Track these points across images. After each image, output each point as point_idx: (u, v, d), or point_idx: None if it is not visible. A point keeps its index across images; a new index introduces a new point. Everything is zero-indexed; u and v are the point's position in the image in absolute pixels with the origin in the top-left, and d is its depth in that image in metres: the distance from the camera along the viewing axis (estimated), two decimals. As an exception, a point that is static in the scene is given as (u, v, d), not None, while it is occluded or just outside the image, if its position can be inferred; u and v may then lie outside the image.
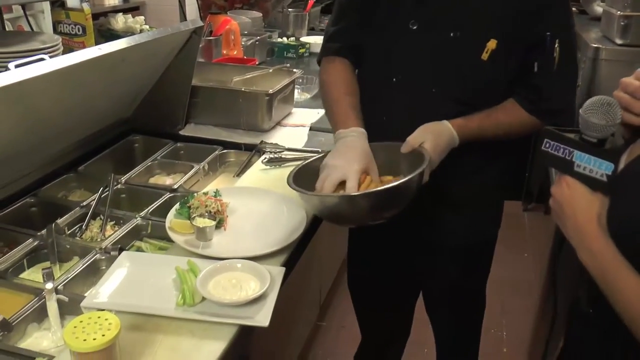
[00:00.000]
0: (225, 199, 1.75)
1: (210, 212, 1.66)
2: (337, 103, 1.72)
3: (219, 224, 1.67)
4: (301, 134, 2.47)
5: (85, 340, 1.10)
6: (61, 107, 1.84)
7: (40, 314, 1.46)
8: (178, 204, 1.73)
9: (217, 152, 2.32)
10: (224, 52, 3.28)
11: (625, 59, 3.09)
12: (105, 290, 1.40)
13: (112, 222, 1.88)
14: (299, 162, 1.73)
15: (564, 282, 1.38)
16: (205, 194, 1.76)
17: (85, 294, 1.45)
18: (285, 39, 3.90)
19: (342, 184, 1.50)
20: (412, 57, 1.64)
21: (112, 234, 1.77)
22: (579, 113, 1.14)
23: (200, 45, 2.59)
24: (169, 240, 1.66)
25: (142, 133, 2.47)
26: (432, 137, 1.56)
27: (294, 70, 2.75)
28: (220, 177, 2.29)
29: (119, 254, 1.57)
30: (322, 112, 2.64)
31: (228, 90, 2.54)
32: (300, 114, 2.70)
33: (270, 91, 2.43)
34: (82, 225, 1.86)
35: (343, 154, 1.56)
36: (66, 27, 2.73)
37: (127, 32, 3.12)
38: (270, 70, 2.75)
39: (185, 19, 3.34)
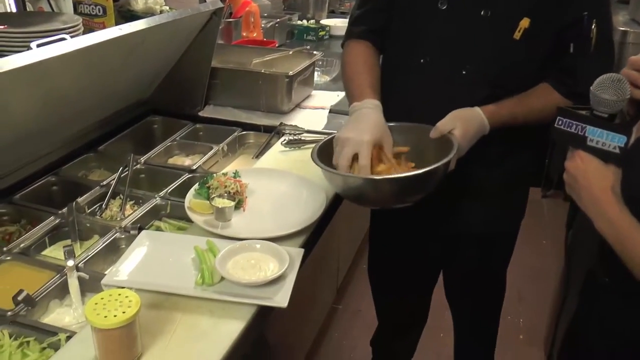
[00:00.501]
0: (245, 180, 1.76)
1: (229, 192, 1.67)
2: (354, 79, 1.70)
3: (238, 205, 1.68)
4: (321, 116, 2.47)
5: (106, 317, 1.11)
6: (81, 87, 1.86)
7: (62, 291, 1.48)
8: (197, 184, 1.74)
9: (236, 133, 2.33)
10: (244, 34, 3.27)
11: (652, 42, 3.05)
12: (125, 268, 1.41)
13: (131, 202, 1.90)
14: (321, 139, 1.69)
15: (577, 255, 1.39)
16: (225, 174, 1.77)
17: (105, 272, 1.47)
18: (305, 21, 3.88)
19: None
20: (441, 38, 1.60)
21: (132, 213, 1.79)
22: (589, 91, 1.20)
23: (220, 27, 2.58)
24: (188, 220, 1.68)
25: (162, 114, 2.48)
26: (462, 124, 1.52)
27: (314, 52, 2.74)
28: (239, 158, 2.30)
29: (139, 233, 1.58)
30: (342, 94, 2.64)
31: (248, 72, 2.54)
32: (320, 96, 2.70)
33: (291, 73, 2.42)
34: (102, 204, 1.88)
35: (355, 126, 1.53)
36: (86, 7, 2.72)
37: (147, 13, 3.11)
38: (290, 53, 2.75)
39: (205, 1, 3.33)
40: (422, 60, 1.64)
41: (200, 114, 2.49)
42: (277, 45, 3.30)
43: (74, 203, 1.78)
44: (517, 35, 1.52)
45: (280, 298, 1.33)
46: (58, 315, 1.45)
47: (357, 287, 3.17)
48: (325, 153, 1.56)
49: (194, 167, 2.04)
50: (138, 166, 2.06)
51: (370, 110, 1.57)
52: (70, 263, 1.49)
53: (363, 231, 2.11)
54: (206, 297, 1.33)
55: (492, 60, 1.57)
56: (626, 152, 1.14)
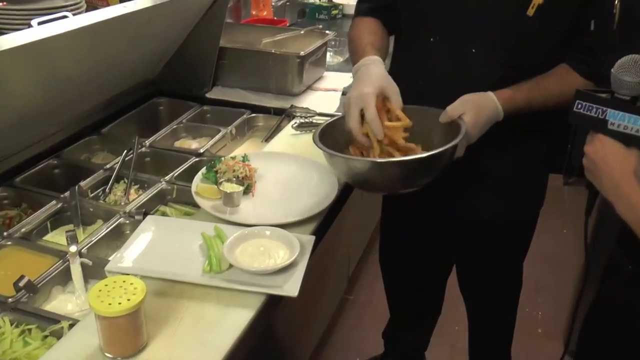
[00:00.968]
0: (254, 164, 1.75)
1: (238, 177, 1.67)
2: (356, 45, 1.69)
3: (247, 190, 1.67)
4: (333, 98, 2.46)
5: (110, 304, 1.11)
6: (84, 67, 1.85)
7: (64, 277, 1.49)
8: (204, 168, 1.74)
9: (245, 116, 2.33)
10: (253, 12, 3.26)
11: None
12: (129, 254, 1.42)
13: (136, 186, 1.90)
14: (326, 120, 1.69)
15: (597, 241, 1.39)
16: (233, 158, 1.76)
17: (109, 258, 1.47)
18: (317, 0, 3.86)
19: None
20: (450, 15, 1.58)
21: (136, 197, 1.79)
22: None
23: (229, 5, 2.57)
24: (195, 205, 1.68)
25: (168, 95, 2.48)
26: (474, 109, 1.51)
27: (327, 32, 2.72)
28: (248, 141, 2.30)
29: (144, 218, 1.58)
30: (355, 76, 2.62)
31: (257, 52, 2.53)
32: (332, 77, 2.69)
33: (302, 53, 2.41)
34: (105, 189, 1.88)
35: (357, 84, 1.52)
36: (90, -16, 2.72)
37: (153, -10, 3.10)
38: (302, 32, 2.73)
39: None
40: (431, 39, 1.62)
41: (208, 95, 2.48)
42: (288, 24, 3.29)
43: (76, 187, 1.78)
44: (530, 11, 1.49)
45: (291, 287, 1.33)
46: (60, 303, 1.45)
47: (369, 277, 3.17)
48: (329, 136, 1.56)
49: (201, 151, 2.04)
50: (143, 149, 2.06)
51: (369, 65, 1.56)
52: (73, 248, 1.49)
53: (375, 219, 2.10)
54: (214, 285, 1.33)
55: (503, 38, 1.54)
56: None
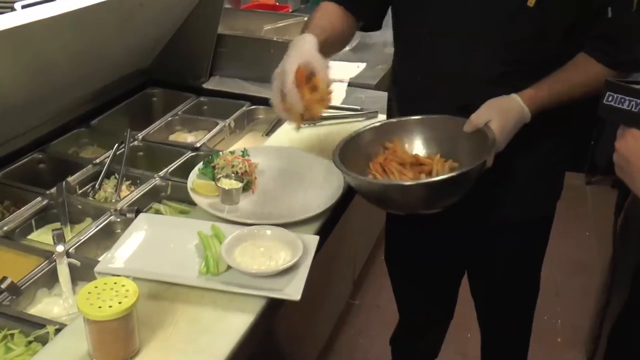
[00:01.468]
0: (254, 159, 1.75)
1: (237, 172, 1.66)
2: (305, 25, 1.69)
3: (247, 186, 1.67)
4: (339, 89, 2.45)
5: (100, 307, 1.11)
6: (72, 54, 1.85)
7: (50, 279, 1.49)
8: (201, 163, 1.73)
9: (244, 108, 2.33)
10: (253, -3, 3.26)
11: None
12: (121, 254, 1.41)
13: (127, 182, 1.90)
14: (344, 131, 1.70)
15: (627, 244, 1.38)
16: (232, 153, 1.76)
17: (99, 259, 1.47)
18: (321, -16, 3.85)
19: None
20: (446, 7, 1.57)
21: (128, 194, 1.79)
22: None
23: (228, -11, 2.58)
24: (191, 202, 1.67)
25: (162, 85, 2.48)
26: (499, 115, 1.50)
27: (332, 18, 2.72)
28: (248, 135, 2.30)
29: (136, 216, 1.58)
30: (362, 66, 2.62)
31: (258, 39, 2.54)
32: (338, 67, 2.67)
33: (305, 41, 2.40)
34: (95, 185, 1.88)
35: (283, 60, 1.54)
36: (79, -34, 2.72)
37: (146, -27, 3.10)
38: (305, 19, 2.72)
39: (211, -40, 3.31)
40: (429, 35, 1.62)
41: (205, 85, 2.48)
42: (290, 10, 3.29)
43: (63, 183, 1.78)
44: (530, 1, 1.47)
45: (293, 290, 1.32)
46: (46, 306, 1.45)
47: (376, 280, 3.17)
48: (349, 151, 1.56)
49: (198, 145, 2.04)
50: (135, 143, 2.07)
51: (298, 42, 1.56)
52: (60, 248, 1.49)
53: (382, 219, 2.10)
54: (211, 287, 1.33)
55: (502, 31, 1.53)
56: None
